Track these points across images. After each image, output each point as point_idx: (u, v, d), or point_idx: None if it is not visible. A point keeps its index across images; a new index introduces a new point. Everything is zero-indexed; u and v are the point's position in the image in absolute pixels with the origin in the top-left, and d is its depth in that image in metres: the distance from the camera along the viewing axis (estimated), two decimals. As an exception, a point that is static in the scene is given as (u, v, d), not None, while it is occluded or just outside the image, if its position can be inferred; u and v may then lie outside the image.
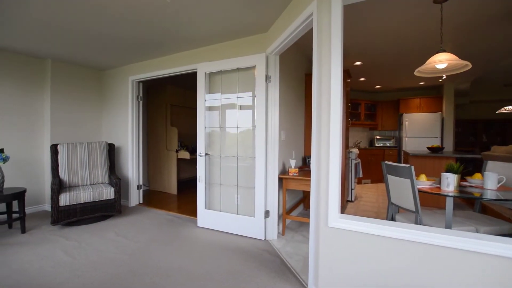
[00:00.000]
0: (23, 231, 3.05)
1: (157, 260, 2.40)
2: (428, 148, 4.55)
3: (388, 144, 6.75)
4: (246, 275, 2.15)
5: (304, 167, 3.52)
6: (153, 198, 4.74)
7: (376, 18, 2.68)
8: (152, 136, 5.42)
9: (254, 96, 2.93)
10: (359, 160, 4.92)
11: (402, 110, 6.37)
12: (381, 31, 3.02)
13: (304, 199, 4.03)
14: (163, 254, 2.51)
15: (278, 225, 2.98)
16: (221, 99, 3.18)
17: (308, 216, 3.57)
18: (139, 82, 4.27)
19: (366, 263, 1.62)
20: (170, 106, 5.24)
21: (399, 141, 6.49)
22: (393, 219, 2.36)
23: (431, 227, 1.45)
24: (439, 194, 1.98)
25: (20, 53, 3.66)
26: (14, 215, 3.36)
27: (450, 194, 1.95)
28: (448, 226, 1.94)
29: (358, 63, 4.32)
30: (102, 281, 2.05)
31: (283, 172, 3.14)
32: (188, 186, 5.70)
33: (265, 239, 2.86)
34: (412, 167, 2.00)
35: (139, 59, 3.92)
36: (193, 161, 6.03)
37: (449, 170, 2.24)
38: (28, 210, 3.80)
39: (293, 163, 3.01)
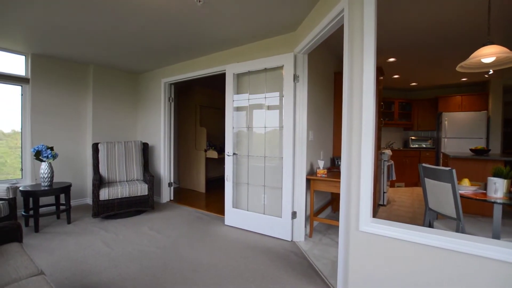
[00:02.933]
0: (69, 221, 3.35)
1: (187, 255, 2.49)
2: (471, 150, 4.17)
3: (424, 145, 6.32)
4: (272, 275, 2.15)
5: (333, 168, 3.42)
6: (183, 195, 4.93)
7: (413, 10, 2.52)
8: (182, 136, 5.63)
9: (281, 96, 2.92)
10: (392, 162, 4.67)
11: (441, 109, 5.92)
12: (419, 25, 2.84)
13: (333, 201, 3.92)
14: (192, 250, 2.60)
15: (305, 226, 2.93)
16: (248, 99, 3.20)
17: (336, 219, 3.47)
18: (170, 84, 4.46)
19: (400, 272, 1.53)
20: (199, 107, 5.41)
21: (437, 142, 6.04)
22: (430, 225, 2.21)
23: (478, 237, 1.33)
24: (485, 200, 1.81)
25: (68, 60, 4.02)
26: (61, 207, 3.69)
27: (499, 200, 1.78)
28: (496, 236, 1.76)
29: (391, 59, 4.10)
30: (137, 272, 2.18)
31: (311, 173, 3.08)
32: (216, 184, 5.83)
33: (291, 241, 2.83)
34: (454, 171, 1.85)
35: (171, 62, 4.10)
36: (220, 161, 6.16)
37: (497, 174, 2.03)
38: (72, 202, 4.15)
39: (321, 163, 2.95)
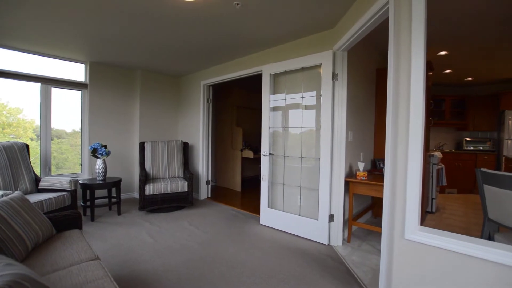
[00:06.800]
0: (119, 213, 3.67)
1: (223, 251, 2.57)
2: (543, 153, 3.61)
3: (481, 148, 5.63)
4: (308, 278, 2.10)
5: (374, 171, 3.23)
6: (219, 193, 5.09)
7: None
8: (219, 136, 5.81)
9: (319, 96, 2.84)
10: (443, 165, 4.24)
11: (503, 107, 5.21)
12: (476, 12, 2.54)
13: (373, 205, 3.70)
14: (228, 247, 2.67)
15: (343, 231, 2.81)
16: (285, 99, 3.18)
17: (377, 224, 3.26)
18: (209, 86, 4.64)
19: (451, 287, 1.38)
20: (236, 108, 5.53)
21: (497, 144, 5.33)
22: (490, 238, 1.96)
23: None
24: None
25: (120, 66, 4.42)
26: (113, 200, 4.07)
27: None
28: None
29: (443, 53, 3.73)
30: (178, 263, 2.31)
31: (350, 175, 2.95)
32: (251, 184, 5.90)
33: (328, 244, 2.74)
34: (521, 177, 1.62)
35: (210, 65, 4.26)
36: (256, 160, 6.20)
37: None
38: (122, 196, 4.55)
39: (361, 166, 2.81)
